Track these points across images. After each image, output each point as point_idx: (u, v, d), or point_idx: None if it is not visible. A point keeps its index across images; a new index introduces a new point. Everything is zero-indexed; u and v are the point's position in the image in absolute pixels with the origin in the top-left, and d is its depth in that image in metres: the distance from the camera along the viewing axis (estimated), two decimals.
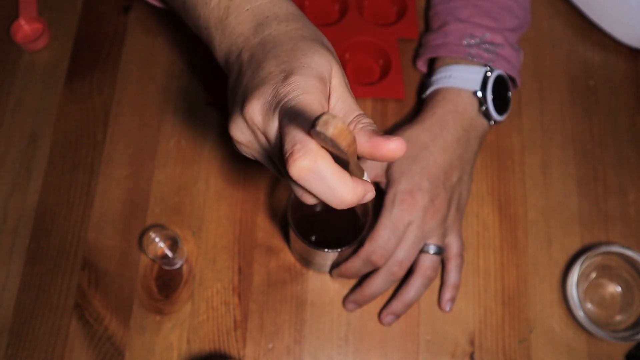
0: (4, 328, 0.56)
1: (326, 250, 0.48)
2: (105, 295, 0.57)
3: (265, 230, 0.59)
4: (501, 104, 0.57)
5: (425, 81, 0.64)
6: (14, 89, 0.65)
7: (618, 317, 0.58)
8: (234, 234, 0.59)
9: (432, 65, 0.62)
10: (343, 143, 0.26)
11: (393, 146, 0.30)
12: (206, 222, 0.59)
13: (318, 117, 0.26)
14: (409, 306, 0.55)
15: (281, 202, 0.60)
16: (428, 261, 0.54)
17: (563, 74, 0.67)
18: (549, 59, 0.68)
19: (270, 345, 0.55)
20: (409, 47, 0.67)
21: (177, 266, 0.57)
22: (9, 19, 0.67)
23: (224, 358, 0.55)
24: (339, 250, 0.48)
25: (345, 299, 0.56)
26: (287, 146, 0.30)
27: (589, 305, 0.58)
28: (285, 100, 0.32)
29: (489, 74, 0.56)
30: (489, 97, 0.56)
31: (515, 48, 0.60)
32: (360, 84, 0.65)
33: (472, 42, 0.58)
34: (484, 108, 0.56)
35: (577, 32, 0.69)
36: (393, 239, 0.52)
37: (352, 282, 0.58)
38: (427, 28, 0.66)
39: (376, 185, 0.60)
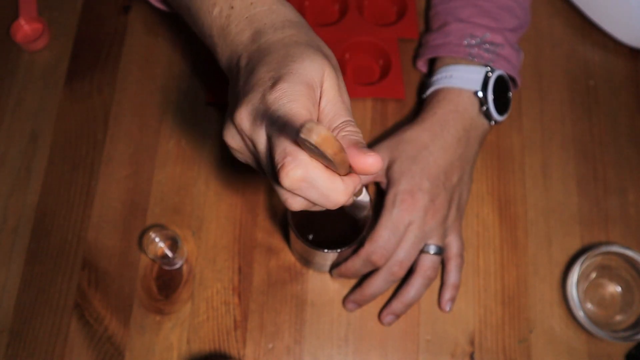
0: (4, 328, 0.56)
1: (325, 250, 0.48)
2: (105, 295, 0.57)
3: (265, 230, 0.59)
4: (502, 104, 0.57)
5: (425, 81, 0.64)
6: (14, 89, 0.65)
7: (618, 317, 0.58)
8: (234, 234, 0.59)
9: (433, 66, 0.62)
10: (328, 150, 0.26)
11: (370, 161, 0.31)
12: (206, 222, 0.59)
13: (302, 125, 0.26)
14: (409, 306, 0.55)
15: (281, 202, 0.60)
16: (428, 261, 0.54)
17: (563, 74, 0.67)
18: (549, 59, 0.68)
19: (270, 345, 0.55)
20: (409, 47, 0.67)
21: (177, 266, 0.57)
22: (9, 19, 0.67)
23: (224, 358, 0.55)
24: (338, 250, 0.48)
25: (345, 299, 0.56)
26: (278, 158, 0.30)
27: (589, 305, 0.58)
28: (272, 108, 0.32)
29: (489, 74, 0.56)
30: (490, 97, 0.56)
31: (516, 48, 0.60)
32: (360, 84, 0.65)
33: (473, 42, 0.58)
34: (484, 108, 0.56)
35: (577, 32, 0.69)
36: (393, 239, 0.52)
37: (352, 282, 0.58)
38: (427, 28, 0.66)
39: (376, 185, 0.60)
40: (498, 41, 0.58)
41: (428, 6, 0.66)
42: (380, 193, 0.59)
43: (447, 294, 0.56)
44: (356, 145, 0.31)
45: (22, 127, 0.63)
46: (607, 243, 0.60)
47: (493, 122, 0.58)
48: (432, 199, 0.53)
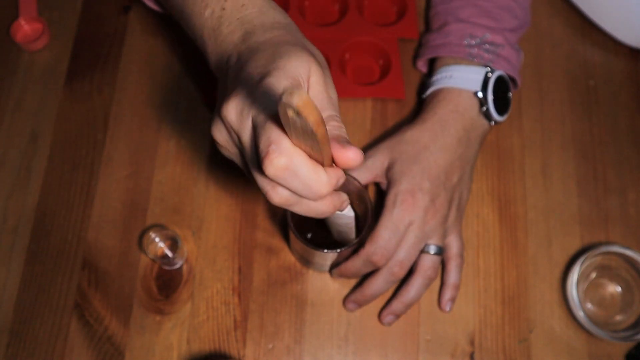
0: (4, 328, 0.56)
1: (325, 250, 0.48)
2: (105, 295, 0.57)
3: (265, 230, 0.59)
4: (502, 104, 0.57)
5: (425, 81, 0.64)
6: (14, 89, 0.65)
7: (618, 317, 0.58)
8: (234, 234, 0.59)
9: (433, 66, 0.62)
10: (310, 118, 0.26)
11: (351, 155, 0.31)
12: (206, 222, 0.59)
13: (284, 90, 0.26)
14: (409, 306, 0.55)
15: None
16: (428, 261, 0.54)
17: (563, 74, 0.67)
18: (549, 59, 0.68)
19: (270, 345, 0.55)
20: (409, 47, 0.67)
21: (177, 266, 0.57)
22: (9, 19, 0.67)
23: (224, 358, 0.55)
24: (338, 250, 0.48)
25: (345, 299, 0.56)
26: (262, 146, 0.31)
27: (589, 305, 0.58)
28: (259, 101, 0.33)
29: (489, 74, 0.56)
30: (490, 97, 0.56)
31: (516, 48, 0.60)
32: (360, 84, 0.65)
33: (473, 42, 0.58)
34: (484, 109, 0.56)
35: (577, 32, 0.69)
36: (394, 240, 0.52)
37: (353, 282, 0.58)
38: (427, 28, 0.66)
39: (376, 185, 0.60)
40: (498, 41, 0.58)
41: (428, 6, 0.66)
42: (380, 193, 0.59)
43: (447, 294, 0.56)
44: (338, 138, 0.32)
45: (22, 127, 0.63)
46: (607, 243, 0.60)
47: (493, 123, 0.58)
48: (432, 199, 0.53)
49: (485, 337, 0.56)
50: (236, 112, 0.34)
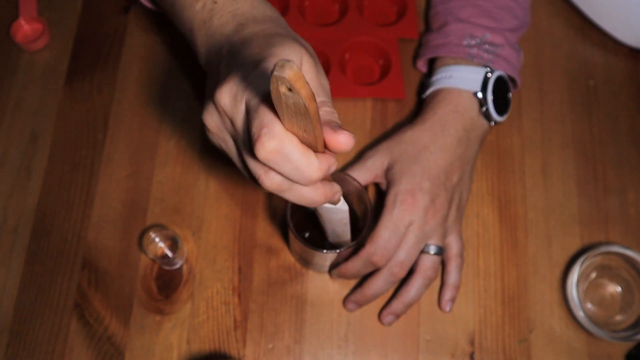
0: (4, 328, 0.56)
1: (324, 251, 0.48)
2: (105, 295, 0.57)
3: (265, 230, 0.59)
4: (501, 104, 0.57)
5: (425, 81, 0.64)
6: (14, 89, 0.65)
7: (618, 317, 0.58)
8: (234, 234, 0.59)
9: (432, 65, 0.62)
10: (302, 91, 0.26)
11: (342, 139, 0.32)
12: (206, 222, 0.59)
13: (276, 63, 0.26)
14: (409, 306, 0.55)
15: (281, 202, 0.60)
16: (428, 261, 0.54)
17: (563, 74, 0.67)
18: (549, 59, 0.68)
19: (270, 345, 0.55)
20: (409, 47, 0.67)
21: (177, 266, 0.57)
22: (9, 19, 0.67)
23: (224, 358, 0.55)
24: (337, 251, 0.48)
25: (345, 299, 0.56)
26: (255, 130, 0.31)
27: (589, 305, 0.58)
28: (252, 86, 0.33)
29: (489, 74, 0.56)
30: (489, 98, 0.56)
31: (516, 48, 0.60)
32: (360, 84, 0.65)
33: (472, 42, 0.58)
34: (484, 109, 0.56)
35: (577, 32, 0.69)
36: (394, 240, 0.52)
37: (353, 282, 0.58)
38: (427, 28, 0.66)
39: (376, 186, 0.60)
40: (498, 41, 0.58)
41: (428, 6, 0.66)
42: (380, 194, 0.59)
43: (447, 294, 0.56)
44: (329, 123, 0.32)
45: (22, 127, 0.63)
46: (607, 243, 0.60)
47: (493, 123, 0.58)
48: (432, 199, 0.53)
49: (485, 337, 0.56)
50: (230, 96, 0.35)
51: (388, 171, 0.55)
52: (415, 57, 0.65)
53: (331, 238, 0.51)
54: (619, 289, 0.59)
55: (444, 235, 0.55)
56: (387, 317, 0.55)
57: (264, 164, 0.32)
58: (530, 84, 0.66)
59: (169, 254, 0.56)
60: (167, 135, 0.62)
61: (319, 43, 0.65)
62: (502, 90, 0.58)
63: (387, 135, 0.61)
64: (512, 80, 0.61)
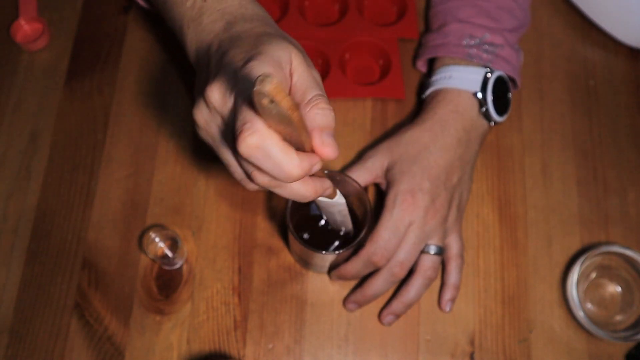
0: (4, 328, 0.56)
1: (323, 252, 0.48)
2: (105, 295, 0.57)
3: (265, 230, 0.59)
4: (501, 104, 0.57)
5: (425, 81, 0.64)
6: (14, 89, 0.65)
7: (618, 317, 0.58)
8: (234, 234, 0.59)
9: (432, 66, 0.62)
10: (283, 103, 0.27)
11: (326, 150, 0.33)
12: (206, 222, 0.59)
13: (256, 78, 0.27)
14: (409, 306, 0.55)
15: (281, 203, 0.60)
16: (429, 261, 0.54)
17: (563, 74, 0.67)
18: (549, 59, 0.68)
19: (270, 345, 0.55)
20: (409, 47, 0.67)
21: (177, 266, 0.57)
22: (9, 19, 0.67)
23: (224, 358, 0.55)
24: (337, 252, 0.48)
25: (345, 299, 0.56)
26: (238, 125, 0.32)
27: (589, 305, 0.58)
28: (240, 84, 0.34)
29: (489, 75, 0.56)
30: (489, 98, 0.56)
31: (515, 48, 0.60)
32: (360, 84, 0.65)
33: (472, 42, 0.58)
34: (484, 109, 0.56)
35: (577, 32, 0.69)
36: (394, 240, 0.52)
37: (352, 282, 0.58)
38: (427, 28, 0.66)
39: (376, 186, 0.60)
40: (497, 42, 0.58)
41: (428, 6, 0.66)
42: (380, 194, 0.59)
43: (448, 295, 0.56)
44: (320, 130, 0.33)
45: (22, 127, 0.63)
46: (607, 243, 0.60)
47: (493, 123, 0.58)
48: (432, 199, 0.53)
49: (485, 337, 0.56)
50: (220, 93, 0.36)
51: (388, 171, 0.55)
52: (415, 57, 0.65)
53: (334, 226, 0.52)
54: (619, 289, 0.59)
55: (444, 236, 0.55)
56: (387, 317, 0.55)
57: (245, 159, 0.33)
58: (530, 84, 0.66)
59: (169, 254, 0.56)
60: (167, 135, 0.63)
61: (319, 43, 0.65)
62: (502, 91, 0.58)
63: (387, 135, 0.61)
64: (512, 80, 0.61)
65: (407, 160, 0.54)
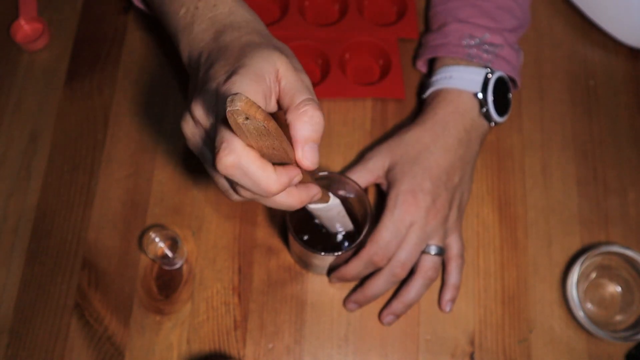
0: (4, 328, 0.56)
1: (322, 253, 0.48)
2: (105, 295, 0.57)
3: (265, 230, 0.59)
4: (502, 105, 0.57)
5: (425, 81, 0.64)
6: (14, 89, 0.65)
7: (618, 317, 0.58)
8: (234, 234, 0.59)
9: (432, 66, 0.62)
10: (257, 115, 0.27)
11: (306, 164, 0.34)
12: (206, 222, 0.59)
13: (227, 99, 0.27)
14: (409, 306, 0.55)
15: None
16: (429, 262, 0.54)
17: (563, 74, 0.67)
18: (549, 59, 0.68)
19: (270, 345, 0.55)
20: (409, 47, 0.67)
21: (177, 266, 0.57)
22: (9, 19, 0.67)
23: (224, 358, 0.55)
24: (336, 253, 0.48)
25: (346, 299, 0.56)
26: (216, 144, 0.33)
27: (589, 305, 0.58)
28: (221, 101, 0.35)
29: (489, 75, 0.56)
30: (490, 99, 0.56)
31: (515, 48, 0.60)
32: (360, 84, 0.65)
33: (472, 42, 0.58)
34: (484, 110, 0.56)
35: (577, 32, 0.69)
36: (395, 240, 0.52)
37: (352, 282, 0.58)
38: (427, 28, 0.66)
39: (376, 186, 0.60)
40: (497, 42, 0.58)
41: (428, 6, 0.66)
42: (380, 194, 0.59)
43: (448, 295, 0.56)
44: (303, 143, 0.34)
45: (22, 127, 0.63)
46: (607, 243, 0.60)
47: (493, 124, 0.58)
48: (433, 199, 0.53)
49: (485, 337, 0.56)
50: (203, 108, 0.37)
51: (389, 172, 0.55)
52: (415, 57, 0.65)
53: (333, 231, 0.52)
54: (619, 289, 0.59)
55: (445, 236, 0.55)
56: (387, 317, 0.55)
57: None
58: (530, 84, 0.66)
59: (169, 254, 0.56)
60: (167, 135, 0.63)
61: (319, 43, 0.65)
62: (502, 91, 0.58)
63: (387, 135, 0.61)
64: (512, 80, 0.61)
65: (408, 161, 0.54)
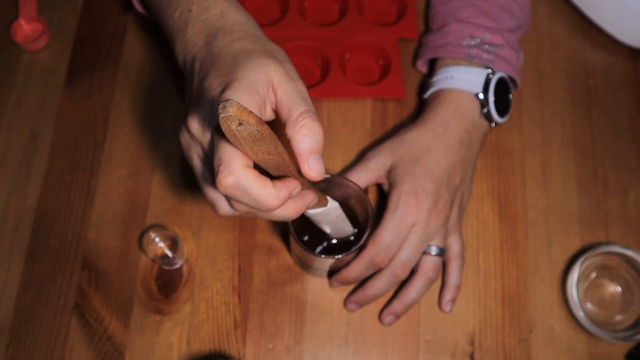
0: (4, 328, 0.56)
1: (323, 256, 0.48)
2: (105, 295, 0.57)
3: (265, 230, 0.59)
4: (502, 105, 0.57)
5: (425, 81, 0.64)
6: (14, 89, 0.65)
7: (618, 317, 0.58)
8: (234, 234, 0.59)
9: (433, 66, 0.62)
10: (250, 120, 0.28)
11: (312, 175, 0.35)
12: (206, 222, 0.59)
13: (218, 107, 0.28)
14: (409, 306, 0.55)
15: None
16: (430, 262, 0.54)
17: (563, 74, 0.67)
18: (549, 59, 0.68)
19: (270, 345, 0.55)
20: (409, 47, 0.67)
21: (177, 266, 0.57)
22: (9, 19, 0.67)
23: (224, 358, 0.55)
24: (337, 257, 0.48)
25: (346, 299, 0.56)
26: (215, 165, 0.33)
27: (589, 305, 0.58)
28: (216, 116, 0.35)
29: (490, 76, 0.56)
30: (491, 99, 0.56)
31: (515, 48, 0.60)
32: (360, 84, 0.65)
33: (472, 42, 0.58)
34: (485, 110, 0.56)
35: (577, 32, 0.69)
36: (396, 241, 0.52)
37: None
38: (427, 28, 0.66)
39: (377, 187, 0.60)
40: (497, 42, 0.58)
41: (428, 6, 0.66)
42: (381, 195, 0.59)
43: (448, 295, 0.56)
44: (307, 155, 0.35)
45: (22, 126, 0.63)
46: (607, 243, 0.60)
47: (494, 124, 0.58)
48: (435, 200, 0.53)
49: (485, 337, 0.57)
50: (198, 123, 0.37)
51: (390, 172, 0.55)
52: (415, 57, 0.65)
53: (336, 236, 0.52)
54: (619, 289, 0.59)
55: (446, 236, 0.55)
56: (388, 317, 0.55)
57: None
58: (530, 84, 0.66)
59: (169, 254, 0.56)
60: (167, 135, 0.62)
61: (319, 43, 0.65)
62: (503, 91, 0.58)
63: (387, 135, 0.61)
64: (512, 80, 0.61)
65: (409, 161, 0.54)
